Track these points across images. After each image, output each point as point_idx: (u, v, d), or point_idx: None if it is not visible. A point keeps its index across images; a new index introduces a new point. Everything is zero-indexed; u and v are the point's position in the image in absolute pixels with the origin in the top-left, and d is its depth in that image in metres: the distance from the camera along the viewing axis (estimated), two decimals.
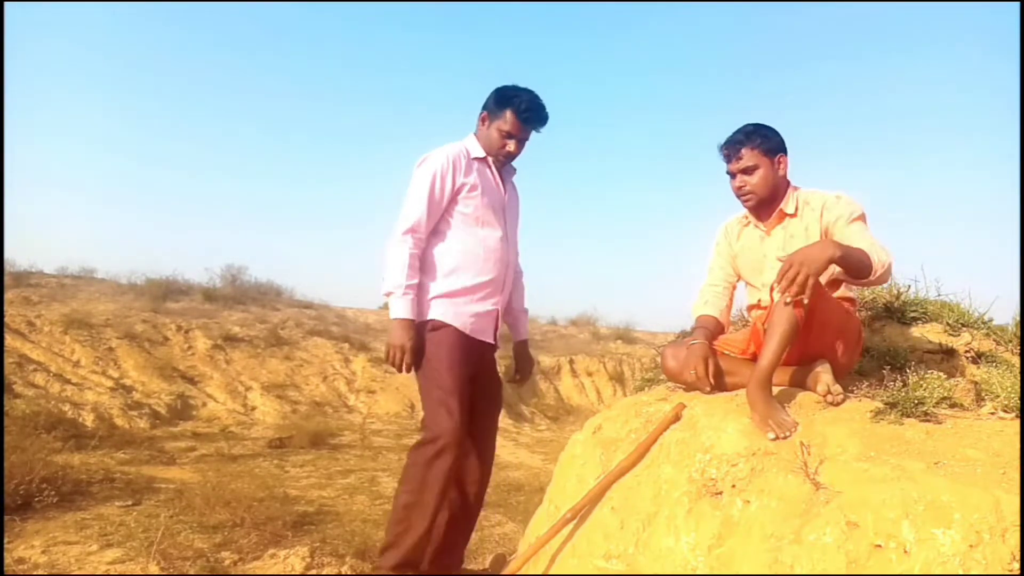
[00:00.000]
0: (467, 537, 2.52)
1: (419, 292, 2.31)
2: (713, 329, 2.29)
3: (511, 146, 2.40)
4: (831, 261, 1.79)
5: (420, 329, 2.31)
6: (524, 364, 2.68)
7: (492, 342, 2.46)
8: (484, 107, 2.43)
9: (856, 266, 1.87)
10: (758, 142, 2.17)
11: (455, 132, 2.56)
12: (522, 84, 2.41)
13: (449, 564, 2.41)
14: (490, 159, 2.43)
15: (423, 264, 2.35)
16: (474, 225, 2.38)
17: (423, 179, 2.31)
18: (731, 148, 2.20)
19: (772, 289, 2.03)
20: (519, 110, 2.35)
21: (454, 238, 2.37)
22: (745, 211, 2.32)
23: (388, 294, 2.24)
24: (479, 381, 2.45)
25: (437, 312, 2.34)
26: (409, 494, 2.22)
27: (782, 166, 2.20)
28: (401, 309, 2.23)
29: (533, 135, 2.43)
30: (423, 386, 2.33)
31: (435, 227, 2.36)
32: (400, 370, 2.24)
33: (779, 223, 2.23)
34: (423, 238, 2.32)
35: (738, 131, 2.21)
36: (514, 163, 2.51)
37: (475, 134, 2.47)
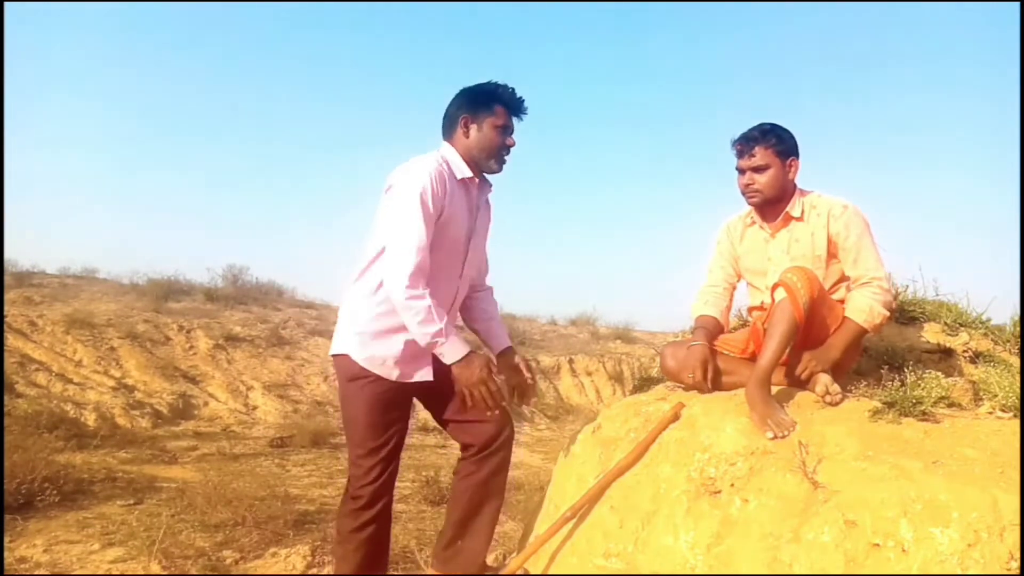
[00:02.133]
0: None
1: (348, 324, 2.10)
2: (713, 329, 2.30)
3: (512, 140, 2.17)
4: (837, 360, 2.07)
5: (355, 366, 2.06)
6: (517, 377, 2.24)
7: (430, 380, 2.16)
8: (458, 113, 2.15)
9: (859, 343, 2.19)
10: (773, 142, 2.18)
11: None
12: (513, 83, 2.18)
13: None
14: (476, 179, 2.17)
15: (364, 291, 2.09)
16: (431, 261, 2.04)
17: (412, 199, 1.97)
18: (745, 144, 2.21)
19: (773, 290, 2.04)
20: (509, 101, 2.14)
21: None
22: (748, 209, 2.33)
23: (432, 347, 1.97)
24: (434, 396, 2.22)
25: (362, 356, 2.07)
26: (339, 559, 2.22)
27: (792, 170, 2.21)
28: (455, 350, 1.96)
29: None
30: (348, 438, 2.16)
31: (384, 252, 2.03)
32: (494, 407, 1.97)
33: (784, 226, 2.24)
34: (428, 268, 1.99)
35: (754, 128, 2.22)
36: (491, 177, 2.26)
37: (451, 146, 2.16)
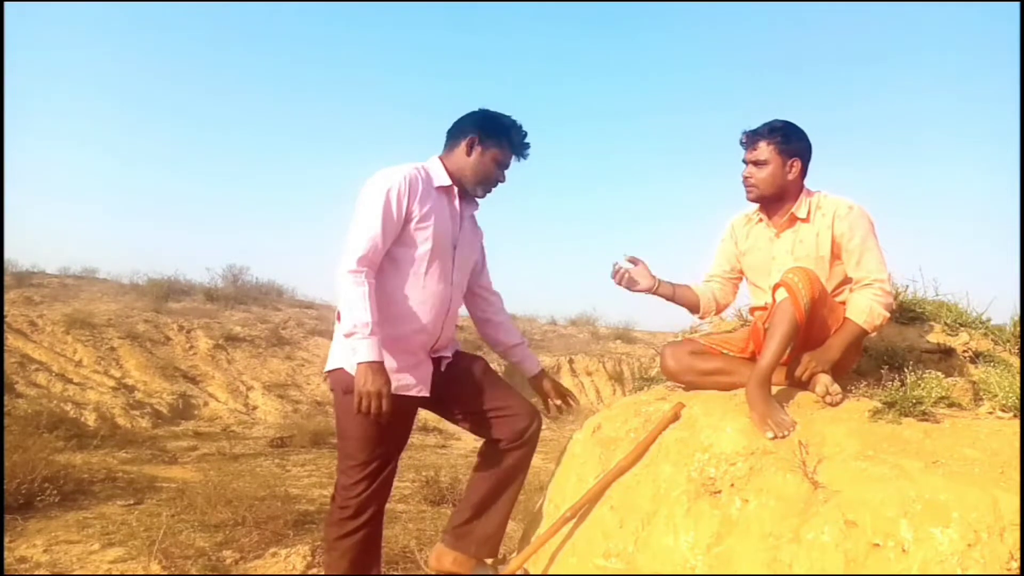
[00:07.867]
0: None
1: (342, 340, 2.05)
2: (679, 287, 2.42)
3: (504, 177, 2.24)
4: (837, 361, 2.07)
5: (350, 379, 2.00)
6: (552, 395, 2.44)
7: (428, 395, 2.16)
8: (469, 131, 2.17)
9: (859, 343, 2.20)
10: (777, 139, 2.19)
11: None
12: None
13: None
14: (455, 189, 2.18)
15: None
16: (419, 264, 2.09)
17: (375, 199, 2.00)
18: (750, 137, 2.24)
19: (774, 290, 2.04)
20: (518, 142, 2.21)
21: (395, 278, 2.08)
22: (754, 208, 2.34)
23: (350, 335, 1.93)
24: (443, 401, 2.24)
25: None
26: (327, 567, 2.21)
27: (793, 170, 2.21)
28: (369, 351, 1.91)
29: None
30: (339, 448, 2.15)
31: None
32: (377, 418, 1.93)
33: (790, 226, 2.24)
34: (376, 267, 2.02)
35: (765, 124, 2.24)
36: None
37: (442, 158, 2.21)
